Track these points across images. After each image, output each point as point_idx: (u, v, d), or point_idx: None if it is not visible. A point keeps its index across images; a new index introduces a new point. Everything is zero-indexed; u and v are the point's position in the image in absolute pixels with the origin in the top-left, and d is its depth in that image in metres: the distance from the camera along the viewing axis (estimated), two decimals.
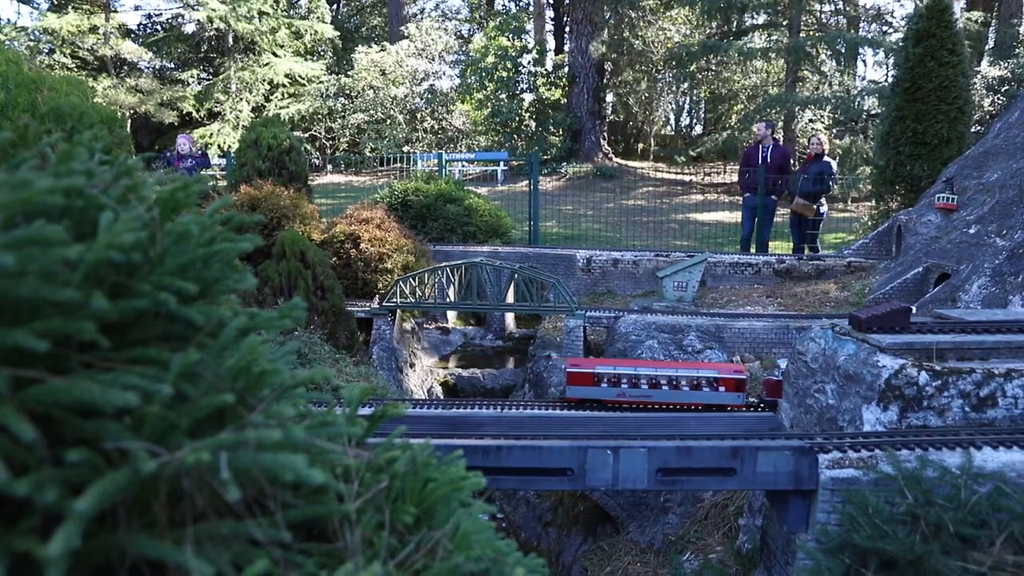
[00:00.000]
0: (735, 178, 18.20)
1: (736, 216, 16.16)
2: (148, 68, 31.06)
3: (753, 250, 13.31)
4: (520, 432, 3.74)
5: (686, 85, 34.93)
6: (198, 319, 1.10)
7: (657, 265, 10.00)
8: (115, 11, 30.13)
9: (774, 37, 28.76)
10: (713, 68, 31.29)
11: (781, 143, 15.30)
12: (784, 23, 27.40)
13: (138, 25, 33.40)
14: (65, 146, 1.14)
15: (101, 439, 0.89)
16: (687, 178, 28.17)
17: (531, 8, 34.11)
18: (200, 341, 1.11)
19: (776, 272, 10.20)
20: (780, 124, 27.22)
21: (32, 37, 27.43)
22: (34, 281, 0.89)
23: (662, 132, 39.72)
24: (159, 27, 33.05)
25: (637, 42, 30.31)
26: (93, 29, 27.55)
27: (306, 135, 28.11)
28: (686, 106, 41.49)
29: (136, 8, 38.70)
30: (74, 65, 27.47)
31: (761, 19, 29.34)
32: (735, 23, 28.58)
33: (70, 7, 27.43)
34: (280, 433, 0.99)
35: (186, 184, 1.20)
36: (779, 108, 26.15)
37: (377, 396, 5.73)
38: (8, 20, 31.44)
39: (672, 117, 41.67)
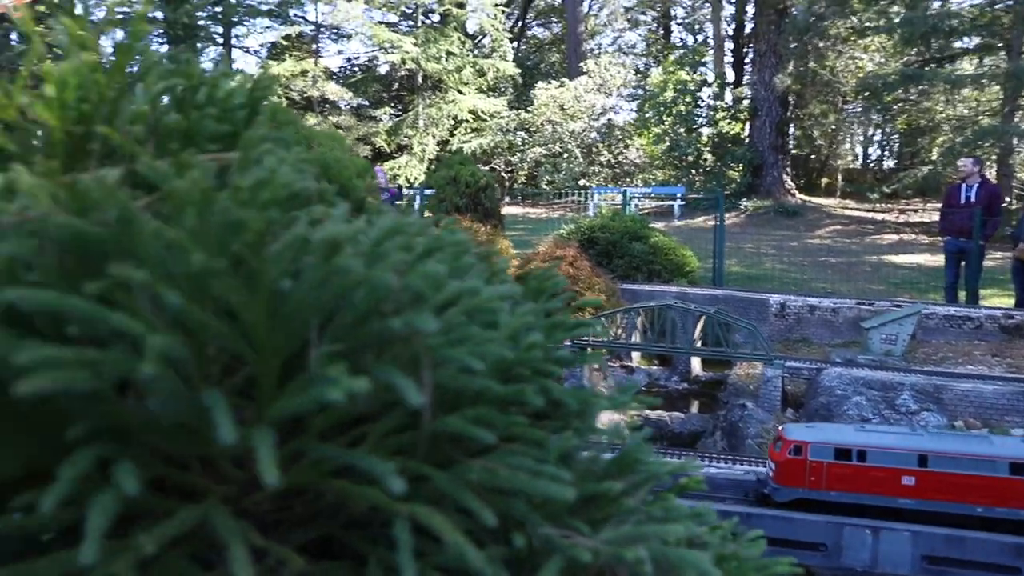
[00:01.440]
0: (936, 217, 16.72)
1: (938, 260, 14.82)
2: (347, 107, 33.92)
3: (963, 298, 12.11)
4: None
5: (878, 117, 32.68)
6: (571, 402, 1.17)
7: (859, 314, 9.35)
8: (321, 56, 33.30)
9: (988, 61, 26.22)
10: (912, 98, 29.05)
11: (992, 181, 13.82)
12: (999, 45, 24.93)
13: (339, 68, 36.66)
14: (451, 241, 1.26)
15: (521, 521, 0.97)
16: (879, 216, 26.24)
17: (711, 41, 33.60)
18: (575, 424, 1.18)
19: (1003, 328, 9.16)
20: (994, 159, 24.67)
21: None
22: (483, 378, 0.98)
23: (848, 166, 37.37)
24: (357, 69, 36.07)
25: (824, 72, 28.90)
26: (303, 73, 30.59)
27: (486, 168, 29.37)
28: (877, 139, 38.82)
29: (339, 52, 42.49)
30: (285, 105, 30.66)
31: (972, 42, 26.86)
32: (939, 49, 26.39)
33: (287, 55, 30.69)
34: (683, 528, 1.03)
35: (553, 273, 1.29)
36: (992, 141, 23.71)
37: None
38: (236, 69, 35.65)
39: (860, 151, 39.15)
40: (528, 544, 0.95)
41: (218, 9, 28.66)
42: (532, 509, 1.02)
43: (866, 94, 27.64)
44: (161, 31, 25.39)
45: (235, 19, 30.31)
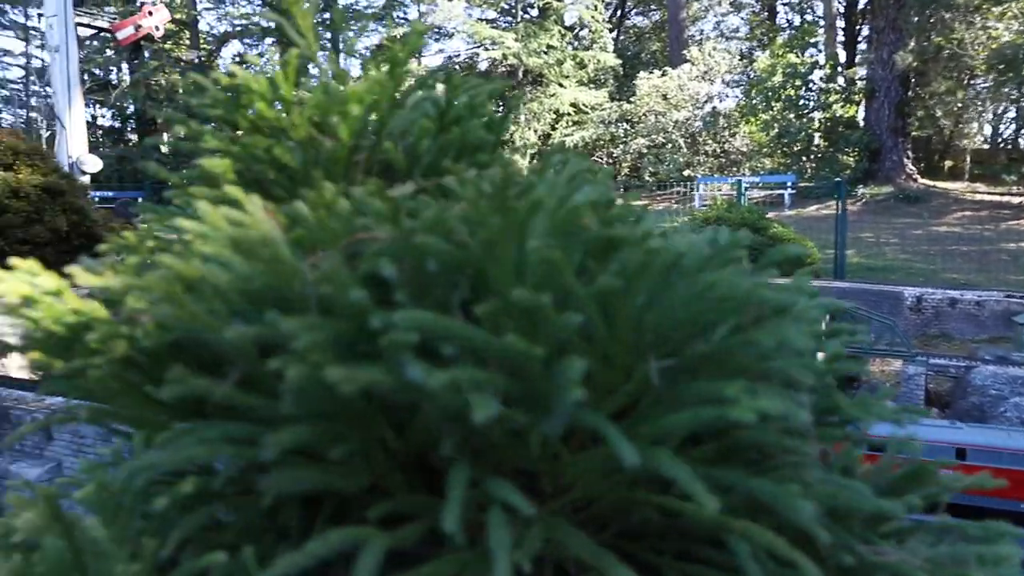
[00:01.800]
0: None
1: None
2: None
3: None
4: None
5: (1014, 91, 30.15)
6: (852, 412, 1.10)
7: (1008, 308, 8.66)
8: (423, 56, 34.00)
9: None
10: None
11: None
12: None
13: (438, 66, 37.31)
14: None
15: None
16: (1016, 200, 24.30)
17: (820, 21, 32.01)
18: (852, 435, 1.12)
19: None
20: None
21: None
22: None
23: (976, 147, 34.72)
24: (458, 66, 36.60)
25: (950, 46, 26.95)
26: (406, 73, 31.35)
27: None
28: (1010, 115, 35.84)
29: (440, 51, 43.24)
30: None
31: None
32: None
33: None
34: (1008, 549, 0.96)
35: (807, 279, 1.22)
36: None
37: None
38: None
39: (990, 129, 36.31)
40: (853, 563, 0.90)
41: (326, 15, 29.74)
42: (834, 524, 0.97)
43: (1000, 67, 25.59)
44: (274, 40, 26.62)
45: (342, 24, 31.32)
